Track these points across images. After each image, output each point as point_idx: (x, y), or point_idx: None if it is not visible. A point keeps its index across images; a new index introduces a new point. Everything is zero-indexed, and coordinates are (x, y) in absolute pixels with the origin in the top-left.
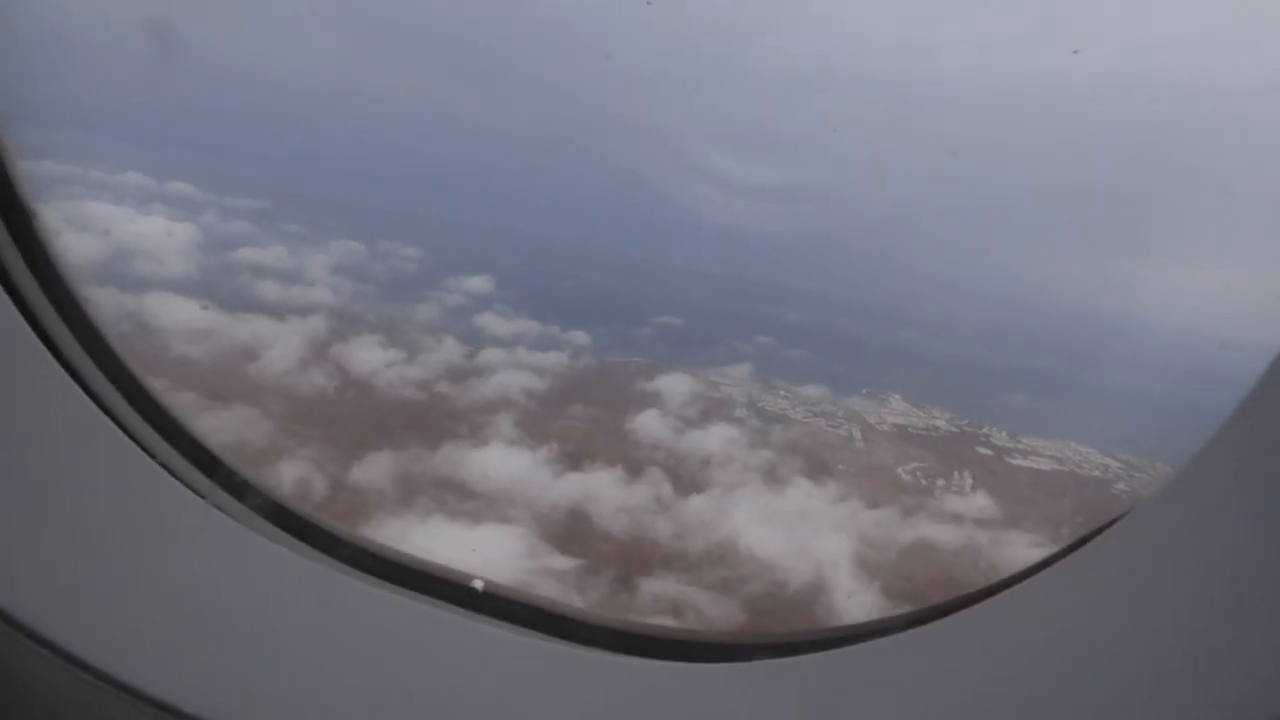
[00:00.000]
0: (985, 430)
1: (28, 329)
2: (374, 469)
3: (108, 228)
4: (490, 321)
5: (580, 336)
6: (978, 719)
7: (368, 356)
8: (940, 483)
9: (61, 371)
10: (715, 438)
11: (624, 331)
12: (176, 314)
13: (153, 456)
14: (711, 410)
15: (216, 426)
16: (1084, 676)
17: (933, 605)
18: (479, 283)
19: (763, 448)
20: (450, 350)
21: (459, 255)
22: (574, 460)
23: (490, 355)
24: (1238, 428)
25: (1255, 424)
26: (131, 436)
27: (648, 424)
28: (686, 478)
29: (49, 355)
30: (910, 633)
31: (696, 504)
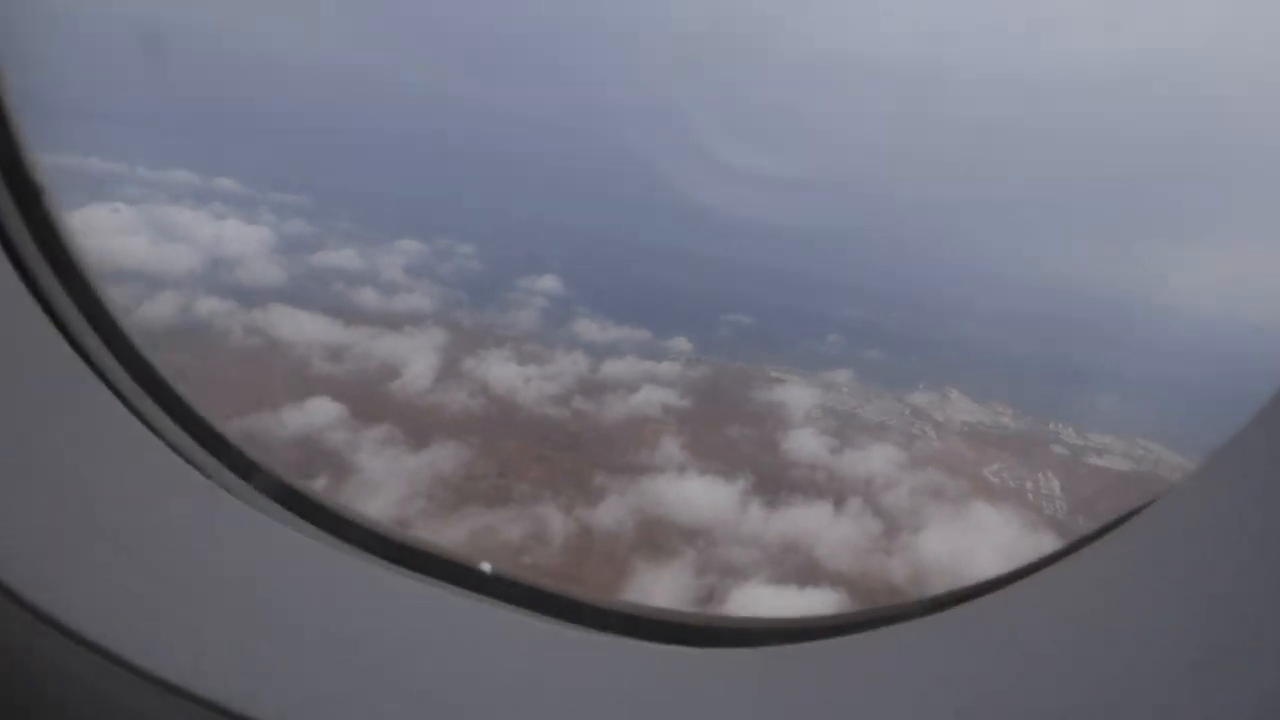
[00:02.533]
0: (1051, 426)
1: (38, 309)
2: (606, 513)
3: (197, 236)
4: (587, 328)
5: (681, 343)
6: (994, 707)
7: (504, 373)
8: (1054, 489)
9: (70, 350)
10: (875, 458)
11: (706, 333)
12: (301, 328)
13: (160, 436)
14: (844, 422)
15: (431, 460)
16: (1106, 665)
17: (951, 591)
18: (550, 283)
19: (916, 466)
20: (574, 363)
21: (513, 250)
22: (770, 490)
23: (612, 368)
24: (1271, 416)
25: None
26: (139, 416)
27: (804, 444)
28: (880, 506)
29: (58, 334)
30: (927, 619)
31: (928, 544)
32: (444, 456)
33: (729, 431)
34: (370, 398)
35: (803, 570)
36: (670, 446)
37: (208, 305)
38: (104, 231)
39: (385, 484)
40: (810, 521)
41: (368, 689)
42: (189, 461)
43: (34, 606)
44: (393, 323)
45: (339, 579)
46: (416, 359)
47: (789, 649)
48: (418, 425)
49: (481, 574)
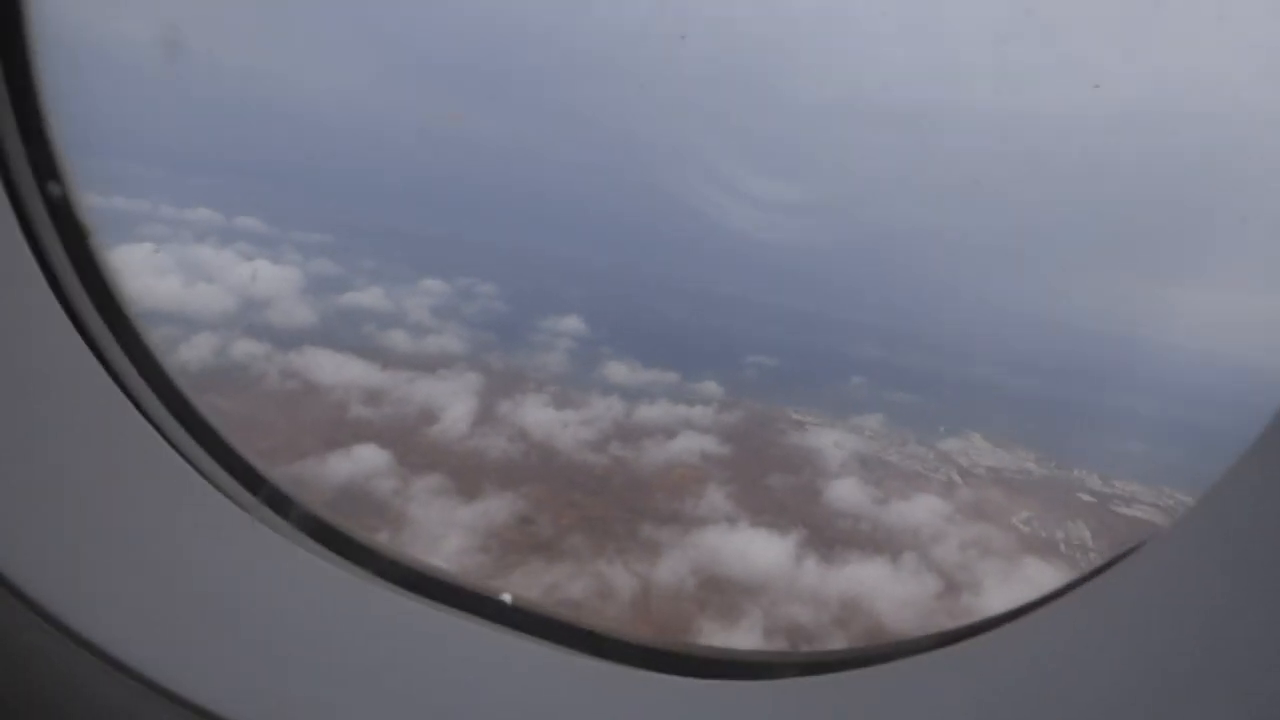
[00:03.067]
0: (1076, 473)
1: (86, 350)
2: (663, 567)
3: (227, 277)
4: (616, 371)
5: (711, 387)
6: None
7: (542, 418)
8: (1085, 539)
9: (116, 389)
10: (919, 509)
11: (733, 375)
12: (337, 372)
13: (201, 473)
14: (880, 470)
15: (484, 511)
16: (1108, 699)
17: (961, 626)
18: (573, 323)
19: (958, 517)
20: (610, 408)
21: (533, 290)
22: (823, 544)
23: (647, 413)
24: (1255, 460)
25: (1273, 456)
26: (181, 454)
27: (847, 494)
28: (933, 562)
29: (105, 374)
30: (938, 653)
31: (989, 603)
32: (497, 507)
33: (770, 480)
34: (413, 444)
35: (873, 634)
36: (715, 496)
37: (243, 348)
38: (138, 272)
39: (444, 537)
40: (871, 580)
41: (395, 716)
42: (226, 495)
43: (72, 631)
44: (425, 365)
45: (369, 609)
46: (454, 403)
47: (805, 681)
48: (463, 473)
49: (502, 605)
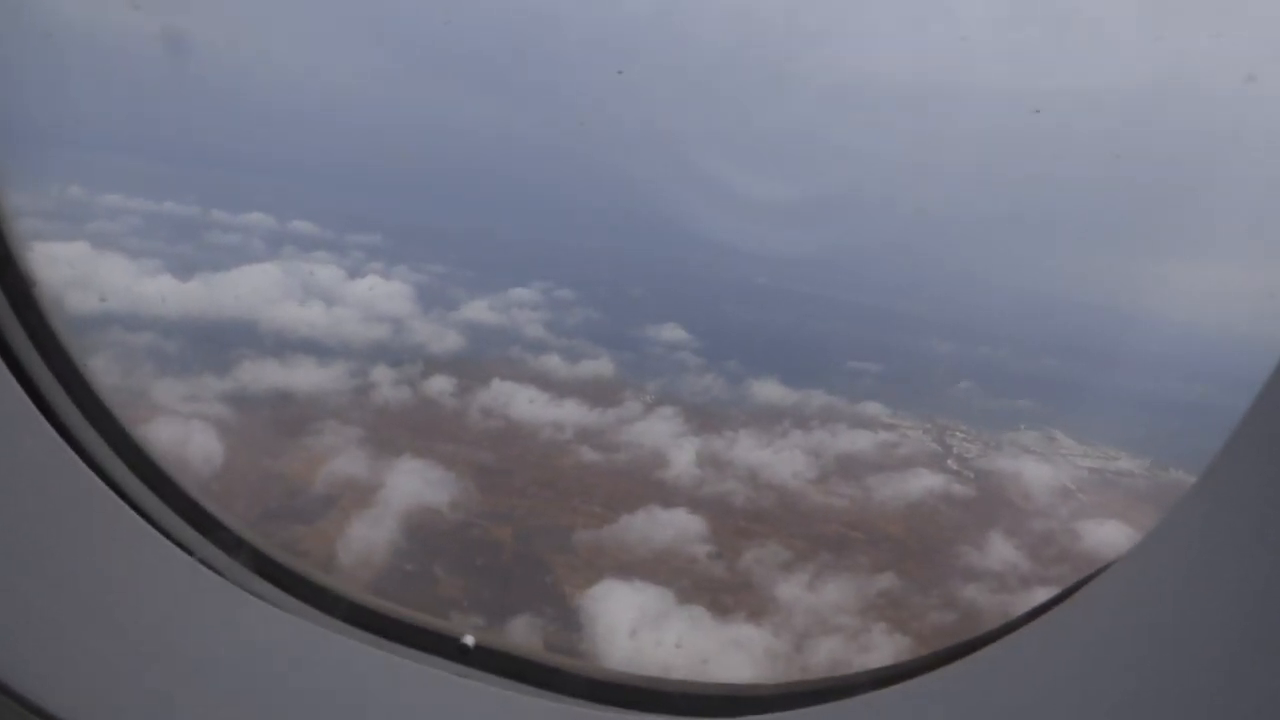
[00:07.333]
0: (1173, 473)
1: (19, 389)
2: None
3: (345, 295)
4: (765, 391)
5: (876, 408)
6: None
7: (760, 459)
8: None
9: (53, 431)
10: None
11: (847, 384)
12: (532, 408)
13: (143, 514)
14: (1101, 499)
15: (851, 591)
16: None
17: (932, 653)
18: (676, 333)
19: None
20: (813, 441)
21: (607, 291)
22: None
23: (845, 443)
24: (1213, 482)
25: (1231, 477)
26: (122, 495)
27: (1110, 537)
28: None
29: (41, 415)
30: (915, 681)
31: None
32: (856, 584)
33: (1033, 524)
34: (700, 501)
35: None
36: (1003, 548)
37: (435, 384)
38: (273, 298)
39: (865, 631)
40: None
41: None
42: (172, 539)
43: (5, 686)
44: (596, 395)
45: (321, 653)
46: (671, 447)
47: (764, 719)
48: (764, 534)
49: (463, 646)
